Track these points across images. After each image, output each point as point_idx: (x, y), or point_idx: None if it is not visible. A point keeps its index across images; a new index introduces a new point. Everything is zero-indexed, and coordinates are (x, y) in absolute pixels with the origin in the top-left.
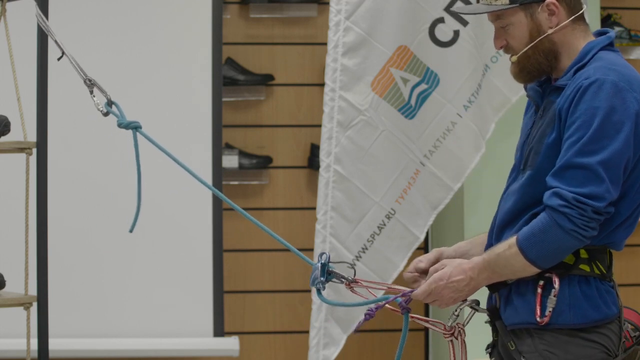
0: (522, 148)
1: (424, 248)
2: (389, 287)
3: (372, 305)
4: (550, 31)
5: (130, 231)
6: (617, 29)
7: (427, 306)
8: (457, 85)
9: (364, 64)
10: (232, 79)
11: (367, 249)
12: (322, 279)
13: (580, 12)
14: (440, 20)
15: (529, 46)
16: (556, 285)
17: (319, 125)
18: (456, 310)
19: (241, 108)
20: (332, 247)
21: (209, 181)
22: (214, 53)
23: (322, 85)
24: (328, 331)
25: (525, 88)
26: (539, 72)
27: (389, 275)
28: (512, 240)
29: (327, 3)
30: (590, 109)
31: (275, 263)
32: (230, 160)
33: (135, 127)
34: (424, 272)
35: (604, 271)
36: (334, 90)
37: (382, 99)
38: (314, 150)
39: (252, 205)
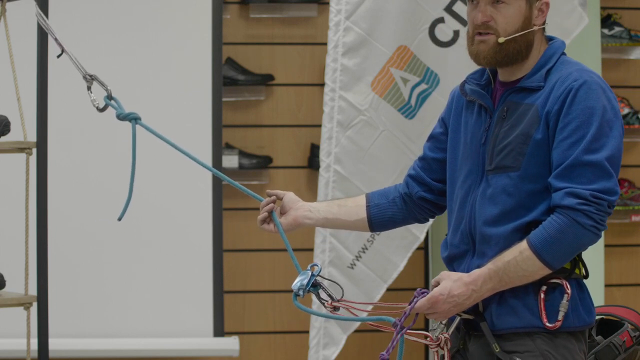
0: (480, 151)
1: (424, 248)
2: (375, 307)
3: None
4: (535, 28)
5: (119, 219)
6: (617, 29)
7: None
8: None
9: (364, 64)
10: (232, 79)
11: (367, 249)
12: (307, 288)
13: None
14: (440, 20)
15: (520, 33)
16: (569, 290)
17: (319, 125)
18: (444, 320)
19: (241, 108)
20: (332, 247)
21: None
22: (214, 53)
23: (322, 85)
24: (328, 331)
25: (463, 91)
26: (513, 59)
27: (389, 275)
28: (523, 245)
29: (327, 3)
30: (587, 109)
31: (275, 263)
32: (230, 160)
33: (134, 119)
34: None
35: (587, 272)
36: (334, 90)
37: (382, 99)
38: (314, 150)
39: (252, 205)
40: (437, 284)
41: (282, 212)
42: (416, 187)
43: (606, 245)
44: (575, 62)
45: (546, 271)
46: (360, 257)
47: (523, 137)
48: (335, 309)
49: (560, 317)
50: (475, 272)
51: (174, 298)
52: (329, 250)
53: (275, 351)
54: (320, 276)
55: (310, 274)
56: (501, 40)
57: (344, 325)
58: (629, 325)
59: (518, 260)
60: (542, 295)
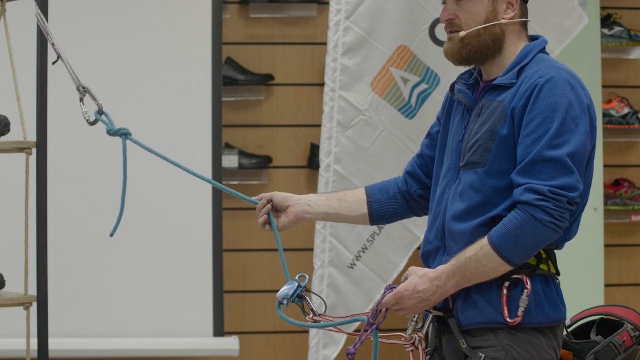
0: (458, 148)
1: None
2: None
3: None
4: (503, 21)
5: (111, 235)
6: (617, 29)
7: None
8: None
9: (364, 64)
10: (232, 79)
11: (367, 249)
12: (292, 299)
13: (527, 21)
14: None
15: (481, 26)
16: (529, 285)
17: (319, 125)
18: (415, 318)
19: (241, 108)
20: (332, 247)
21: None
22: (214, 53)
23: (322, 85)
24: (328, 331)
25: (452, 91)
26: (481, 55)
27: (389, 275)
28: (484, 241)
29: (327, 3)
30: (551, 105)
31: (275, 263)
32: (230, 160)
33: (124, 134)
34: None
35: (557, 270)
36: (334, 90)
37: (382, 99)
38: (314, 150)
39: (252, 206)
40: (406, 279)
41: (280, 211)
42: (414, 185)
43: (606, 245)
44: (549, 59)
45: (507, 267)
46: (360, 257)
47: (490, 134)
48: (316, 322)
49: (519, 312)
50: (440, 268)
51: (174, 298)
52: (329, 250)
53: (275, 351)
54: (307, 289)
55: (297, 285)
56: (462, 34)
57: (344, 326)
58: (629, 325)
59: (479, 256)
60: (505, 291)
